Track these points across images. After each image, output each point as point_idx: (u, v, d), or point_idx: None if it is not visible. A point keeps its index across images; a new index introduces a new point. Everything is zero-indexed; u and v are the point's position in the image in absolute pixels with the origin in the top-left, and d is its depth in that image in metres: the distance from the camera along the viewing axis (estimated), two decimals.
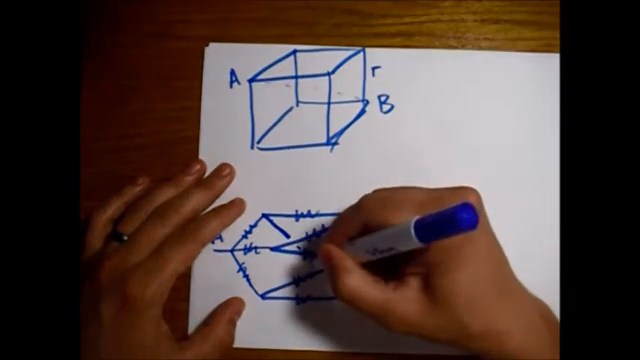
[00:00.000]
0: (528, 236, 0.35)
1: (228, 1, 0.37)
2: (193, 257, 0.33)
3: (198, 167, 0.35)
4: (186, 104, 0.36)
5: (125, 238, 0.32)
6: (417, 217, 0.24)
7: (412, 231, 0.24)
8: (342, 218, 0.31)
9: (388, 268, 0.28)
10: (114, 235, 0.33)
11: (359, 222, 0.28)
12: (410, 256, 0.26)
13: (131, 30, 0.37)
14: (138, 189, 0.35)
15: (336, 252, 0.29)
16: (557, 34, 0.36)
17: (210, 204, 0.35)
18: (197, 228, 0.33)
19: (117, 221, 0.34)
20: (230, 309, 0.34)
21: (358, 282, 0.28)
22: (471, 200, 0.27)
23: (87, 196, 0.35)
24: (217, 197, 0.35)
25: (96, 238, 0.34)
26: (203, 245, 0.33)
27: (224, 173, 0.35)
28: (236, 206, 0.35)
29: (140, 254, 0.31)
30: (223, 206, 0.35)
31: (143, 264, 0.31)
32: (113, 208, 0.34)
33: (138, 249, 0.31)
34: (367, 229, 0.28)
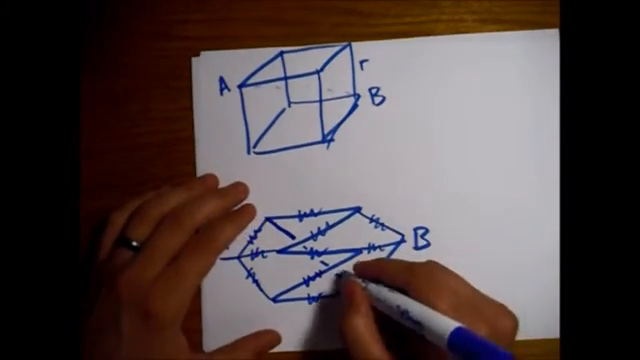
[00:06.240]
0: (527, 222, 0.34)
1: (228, 1, 0.37)
2: (210, 267, 0.32)
3: (211, 181, 0.35)
4: (186, 104, 0.36)
5: (134, 244, 0.32)
6: (458, 326, 0.25)
7: (446, 337, 0.25)
8: (387, 262, 0.33)
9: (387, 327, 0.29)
10: (122, 240, 0.32)
11: (399, 277, 0.30)
12: (421, 342, 0.27)
13: (131, 30, 0.37)
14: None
15: (360, 292, 0.30)
16: None
17: (220, 214, 0.34)
18: (212, 237, 0.32)
19: (125, 225, 0.33)
20: (260, 340, 0.34)
21: (365, 329, 0.29)
22: (507, 328, 0.27)
23: (87, 196, 0.35)
24: (228, 209, 0.35)
25: (111, 240, 0.33)
26: (219, 254, 0.33)
27: (239, 188, 0.35)
28: (249, 213, 0.35)
29: (158, 265, 0.31)
30: (237, 212, 0.35)
31: (162, 279, 0.30)
32: (131, 210, 0.33)
33: (156, 260, 0.31)
34: (400, 287, 0.29)
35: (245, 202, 0.35)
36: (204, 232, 0.33)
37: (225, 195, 0.34)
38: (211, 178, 0.35)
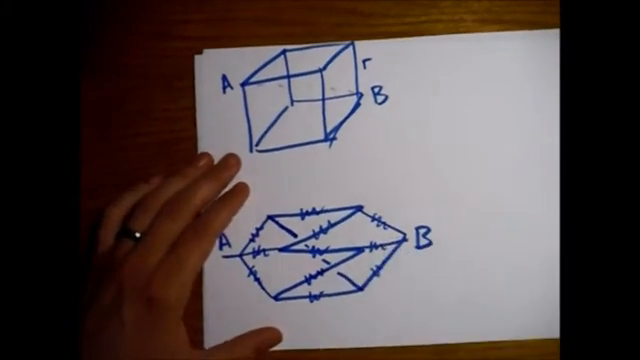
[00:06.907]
0: (528, 222, 0.34)
1: (228, 1, 0.37)
2: (209, 251, 0.33)
3: (205, 160, 0.35)
4: (186, 104, 0.36)
5: (137, 235, 0.32)
6: None
7: None
8: None
9: None
10: (125, 232, 0.33)
11: None
12: None
13: (131, 30, 0.37)
14: (152, 187, 0.35)
15: None
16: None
17: (218, 195, 0.35)
18: (208, 221, 0.33)
19: (126, 218, 0.33)
20: (260, 337, 0.34)
21: None
22: None
23: (87, 196, 0.35)
24: (224, 187, 0.35)
25: (109, 234, 0.33)
26: (216, 237, 0.34)
27: (230, 163, 0.35)
28: (241, 192, 0.35)
29: (159, 252, 0.31)
30: (229, 194, 0.35)
31: (163, 265, 0.31)
32: (127, 204, 0.34)
33: (156, 248, 0.31)
34: None
35: (247, 200, 0.35)
36: (201, 217, 0.33)
37: (218, 175, 0.35)
38: (203, 157, 0.35)
